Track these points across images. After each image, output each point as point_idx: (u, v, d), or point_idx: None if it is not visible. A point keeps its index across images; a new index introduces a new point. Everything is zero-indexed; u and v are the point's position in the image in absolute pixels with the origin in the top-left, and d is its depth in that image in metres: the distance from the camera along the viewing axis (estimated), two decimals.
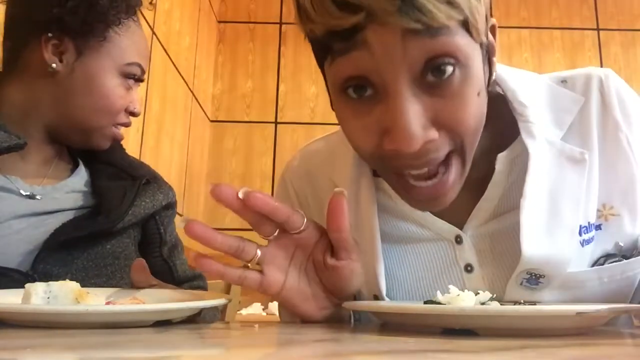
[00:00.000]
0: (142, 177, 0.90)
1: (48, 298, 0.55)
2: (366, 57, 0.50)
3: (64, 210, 0.82)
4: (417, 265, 0.67)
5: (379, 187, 0.68)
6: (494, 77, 0.60)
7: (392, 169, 0.56)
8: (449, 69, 0.51)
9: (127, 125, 0.90)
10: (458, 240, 0.65)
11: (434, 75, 0.51)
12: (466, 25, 0.51)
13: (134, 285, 0.68)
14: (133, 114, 0.89)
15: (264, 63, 3.23)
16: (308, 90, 3.19)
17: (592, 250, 0.61)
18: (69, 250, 0.78)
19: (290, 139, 3.13)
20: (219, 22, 3.26)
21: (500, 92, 0.65)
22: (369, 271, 0.64)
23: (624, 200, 0.62)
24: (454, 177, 0.55)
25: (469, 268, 0.64)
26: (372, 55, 0.50)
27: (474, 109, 0.53)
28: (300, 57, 3.23)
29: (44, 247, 0.75)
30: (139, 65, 0.88)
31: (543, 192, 0.60)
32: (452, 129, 0.53)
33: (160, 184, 0.95)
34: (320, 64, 0.57)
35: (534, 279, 0.59)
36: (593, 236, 0.61)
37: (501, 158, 0.62)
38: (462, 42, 0.51)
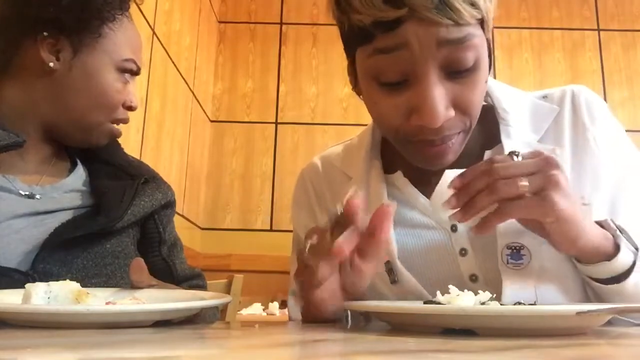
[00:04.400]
0: (140, 176, 0.90)
1: (48, 298, 0.55)
2: (406, 56, 0.61)
3: (63, 209, 0.82)
4: (420, 248, 0.75)
5: (388, 181, 0.78)
6: (491, 69, 0.69)
7: (413, 143, 0.67)
8: (469, 66, 0.62)
9: (125, 121, 0.90)
10: (453, 228, 0.73)
11: (455, 68, 0.62)
12: (482, 23, 0.63)
13: (133, 286, 0.68)
14: (130, 109, 0.89)
15: (264, 63, 3.23)
16: (308, 90, 3.18)
17: None
18: (68, 250, 0.77)
19: (290, 139, 3.13)
20: (220, 22, 3.26)
21: (490, 102, 0.77)
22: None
23: (592, 190, 0.71)
24: (455, 145, 0.67)
25: (463, 252, 0.72)
26: (411, 54, 0.61)
27: (480, 94, 0.66)
28: (301, 58, 3.23)
29: (43, 247, 0.75)
30: (134, 62, 0.88)
31: None
32: (464, 110, 0.65)
33: (159, 183, 0.95)
34: (352, 49, 0.67)
35: (516, 252, 0.67)
36: None
37: (488, 153, 0.74)
38: (479, 41, 0.63)
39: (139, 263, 0.68)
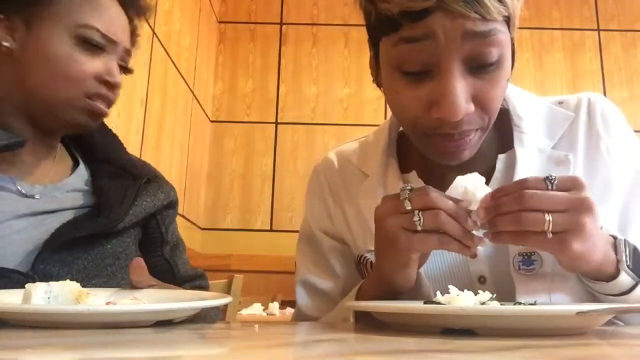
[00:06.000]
0: (143, 176, 0.89)
1: (48, 298, 0.55)
2: (432, 47, 0.62)
3: (64, 209, 0.81)
4: None
5: (403, 180, 0.79)
6: (513, 69, 0.70)
7: (431, 137, 0.67)
8: (492, 61, 0.63)
9: (103, 97, 0.82)
10: None
11: (478, 62, 0.63)
12: (508, 21, 0.64)
13: (133, 286, 0.68)
14: (107, 84, 0.82)
15: (264, 63, 3.23)
16: (308, 90, 3.19)
17: None
18: (69, 251, 0.77)
19: (290, 139, 3.13)
20: (220, 22, 3.26)
21: (506, 106, 0.77)
22: None
23: (602, 199, 0.70)
24: (472, 141, 0.67)
25: None
26: (436, 45, 0.61)
27: (501, 92, 0.66)
28: (301, 58, 3.23)
29: (44, 248, 0.75)
30: (98, 30, 0.80)
31: None
32: (483, 106, 0.65)
33: (161, 182, 0.94)
34: (377, 39, 0.68)
35: (527, 258, 0.68)
36: None
37: (501, 158, 0.75)
38: (504, 38, 0.63)
39: (138, 263, 0.68)
